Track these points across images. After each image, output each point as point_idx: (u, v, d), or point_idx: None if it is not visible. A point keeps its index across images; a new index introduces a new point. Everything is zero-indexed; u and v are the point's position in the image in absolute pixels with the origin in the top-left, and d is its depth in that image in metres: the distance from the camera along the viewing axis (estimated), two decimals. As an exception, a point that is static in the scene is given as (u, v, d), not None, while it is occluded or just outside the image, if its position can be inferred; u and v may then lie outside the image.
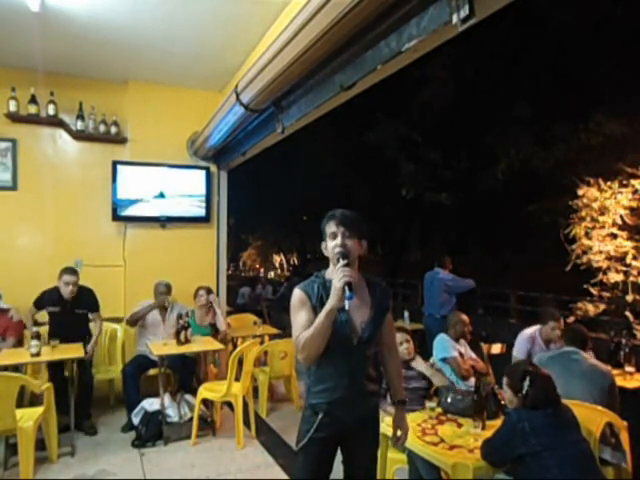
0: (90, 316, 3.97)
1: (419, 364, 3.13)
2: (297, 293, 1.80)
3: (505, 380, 2.23)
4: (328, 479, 1.87)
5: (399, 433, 1.98)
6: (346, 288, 1.61)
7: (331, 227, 1.78)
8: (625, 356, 3.57)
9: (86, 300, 3.94)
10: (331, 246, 1.76)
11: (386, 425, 2.27)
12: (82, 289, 3.92)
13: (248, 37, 3.74)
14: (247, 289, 10.96)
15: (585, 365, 2.78)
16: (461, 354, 3.51)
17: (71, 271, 3.79)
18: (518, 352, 3.72)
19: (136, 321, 4.29)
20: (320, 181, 15.96)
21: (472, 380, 3.15)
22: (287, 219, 20.56)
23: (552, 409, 2.04)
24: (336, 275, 1.65)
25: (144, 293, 4.48)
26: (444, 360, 3.42)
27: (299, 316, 1.76)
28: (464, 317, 3.66)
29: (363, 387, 1.83)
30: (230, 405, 3.86)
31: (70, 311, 3.80)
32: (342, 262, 1.67)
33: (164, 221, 4.86)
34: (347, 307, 1.65)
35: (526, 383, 2.08)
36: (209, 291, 4.59)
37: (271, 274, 26.64)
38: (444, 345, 3.52)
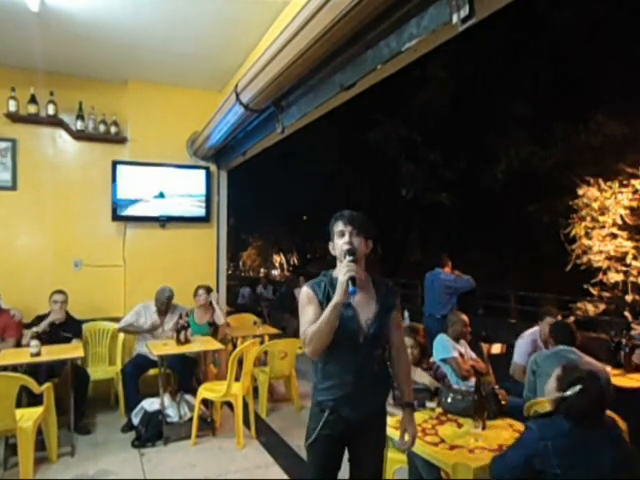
0: (73, 341, 4.04)
1: (422, 377, 2.92)
2: (305, 290, 1.85)
3: (558, 371, 1.98)
4: (336, 476, 1.87)
5: (407, 437, 1.92)
6: (349, 282, 1.64)
7: (339, 226, 1.82)
8: (625, 356, 3.56)
9: (73, 326, 4.13)
10: (339, 244, 1.80)
11: (388, 426, 2.25)
12: (71, 317, 4.13)
13: (248, 37, 3.74)
14: (247, 289, 10.98)
15: (581, 363, 2.78)
16: (461, 354, 3.50)
17: (60, 291, 4.07)
18: (519, 356, 3.64)
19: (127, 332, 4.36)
20: (320, 181, 15.97)
21: (472, 380, 3.14)
22: (287, 219, 20.58)
23: (583, 430, 1.79)
24: (341, 270, 1.70)
25: (144, 293, 4.47)
26: (444, 360, 3.41)
27: (306, 312, 1.80)
28: (464, 317, 3.65)
29: (369, 385, 1.83)
30: (230, 405, 3.86)
31: (59, 334, 3.93)
32: (348, 258, 1.71)
33: (164, 221, 4.86)
34: (352, 302, 1.72)
35: (575, 389, 1.81)
36: (209, 290, 4.60)
37: (274, 272, 26.58)
38: (444, 345, 3.51)
